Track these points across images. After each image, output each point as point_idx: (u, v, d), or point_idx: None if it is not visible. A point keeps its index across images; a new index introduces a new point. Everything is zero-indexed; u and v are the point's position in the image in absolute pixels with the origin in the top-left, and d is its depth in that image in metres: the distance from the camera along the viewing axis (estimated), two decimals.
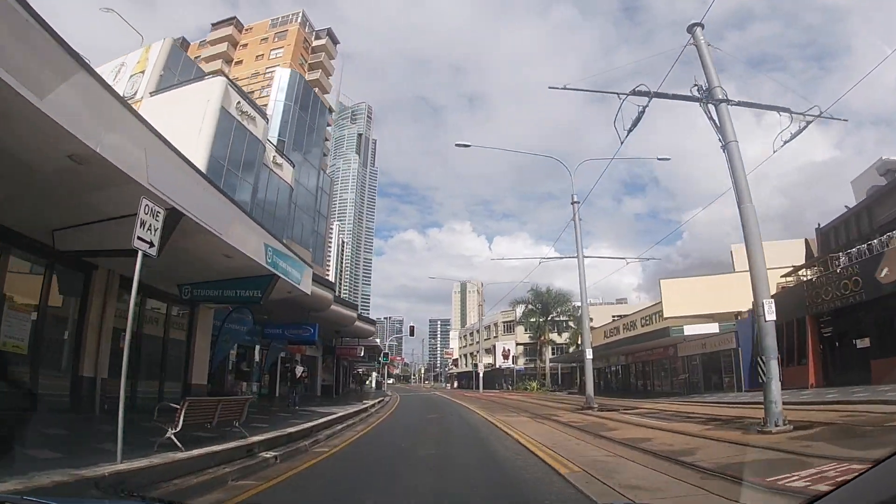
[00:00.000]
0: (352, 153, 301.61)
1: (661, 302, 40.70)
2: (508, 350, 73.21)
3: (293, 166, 28.82)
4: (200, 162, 19.47)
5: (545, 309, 58.14)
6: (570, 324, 62.40)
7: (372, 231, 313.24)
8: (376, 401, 27.42)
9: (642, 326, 42.98)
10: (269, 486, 6.87)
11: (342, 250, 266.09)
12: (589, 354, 22.36)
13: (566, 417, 16.56)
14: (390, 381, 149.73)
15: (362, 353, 29.88)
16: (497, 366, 74.21)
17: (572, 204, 24.35)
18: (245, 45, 62.36)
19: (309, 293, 14.12)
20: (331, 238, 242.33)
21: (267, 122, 26.20)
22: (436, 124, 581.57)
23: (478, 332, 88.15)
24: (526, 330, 72.19)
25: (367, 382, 71.53)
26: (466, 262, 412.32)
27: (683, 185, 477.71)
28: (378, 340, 35.61)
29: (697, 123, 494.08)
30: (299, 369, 21.76)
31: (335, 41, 70.56)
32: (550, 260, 25.98)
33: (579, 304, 60.26)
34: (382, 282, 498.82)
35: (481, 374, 56.46)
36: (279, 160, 27.26)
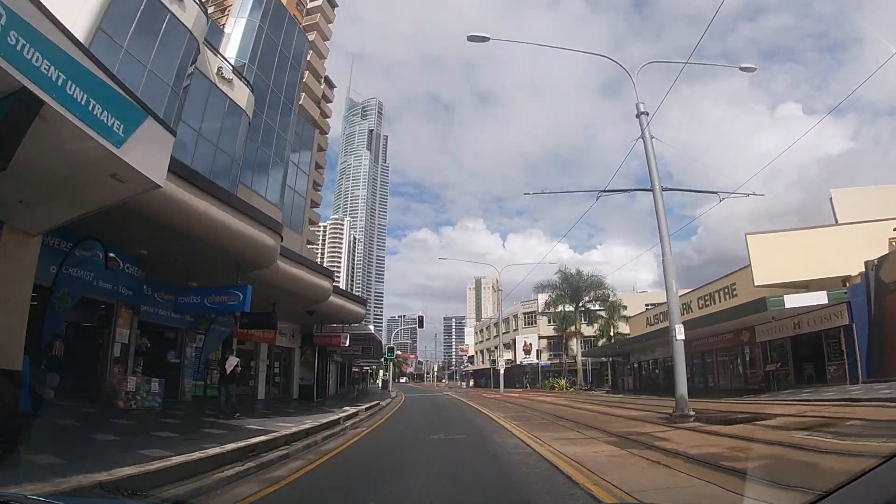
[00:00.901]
0: (363, 149, 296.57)
1: (726, 276, 32.82)
2: (530, 344, 65.41)
3: (252, 90, 21.46)
4: (80, 30, 12.17)
5: (575, 294, 49.93)
6: (602, 313, 54.29)
7: (385, 228, 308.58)
8: (366, 406, 20.02)
9: (700, 308, 35.03)
10: None
11: (354, 247, 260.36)
12: (680, 332, 14.49)
13: (687, 443, 8.78)
14: (403, 379, 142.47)
15: (347, 343, 22.50)
16: (518, 362, 66.42)
17: (638, 116, 16.64)
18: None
19: (159, 184, 6.62)
20: (342, 230, 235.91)
21: (207, 20, 18.78)
22: (448, 122, 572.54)
23: (495, 325, 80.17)
24: (550, 321, 64.19)
25: (372, 382, 64.29)
26: (480, 258, 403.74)
27: (697, 180, 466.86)
28: (371, 327, 27.89)
29: (711, 117, 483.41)
30: (231, 361, 14.36)
31: (333, 4, 64.51)
32: (611, 194, 17.73)
33: (613, 290, 52.03)
34: (396, 280, 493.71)
35: (501, 372, 48.55)
36: (228, 74, 19.88)
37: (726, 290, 32.10)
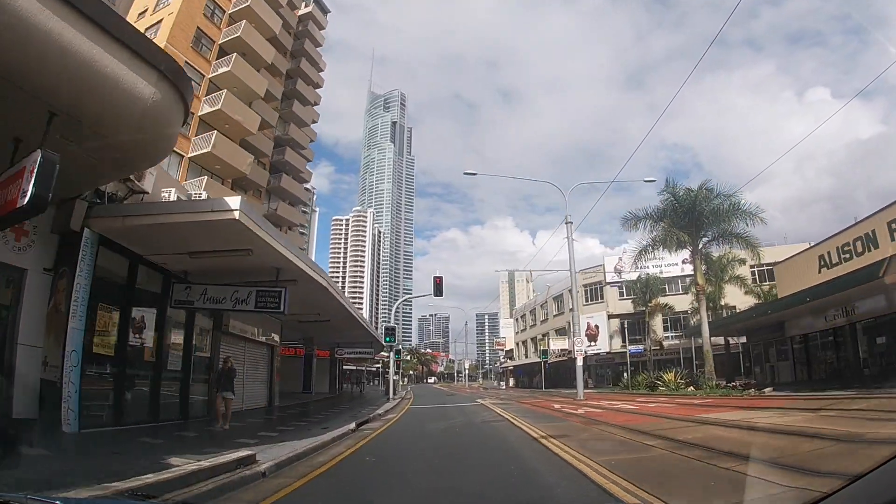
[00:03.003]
0: (386, 142, 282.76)
1: None
2: (596, 326, 47.49)
3: None
4: None
5: (694, 222, 27.95)
6: (724, 270, 35.81)
7: (411, 223, 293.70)
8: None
9: None
10: None
11: (379, 241, 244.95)
12: None
13: None
14: (432, 380, 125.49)
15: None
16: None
17: None
18: None
19: None
20: (366, 222, 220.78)
21: None
22: (472, 121, 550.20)
23: (542, 306, 62.22)
24: (624, 294, 46.26)
25: (364, 384, 47.41)
26: (511, 257, 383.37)
27: (727, 169, 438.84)
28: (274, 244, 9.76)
29: (737, 104, 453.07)
30: None
31: None
32: None
33: (762, 217, 29.42)
34: (427, 281, 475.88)
35: (580, 361, 29.03)
36: None
37: None
